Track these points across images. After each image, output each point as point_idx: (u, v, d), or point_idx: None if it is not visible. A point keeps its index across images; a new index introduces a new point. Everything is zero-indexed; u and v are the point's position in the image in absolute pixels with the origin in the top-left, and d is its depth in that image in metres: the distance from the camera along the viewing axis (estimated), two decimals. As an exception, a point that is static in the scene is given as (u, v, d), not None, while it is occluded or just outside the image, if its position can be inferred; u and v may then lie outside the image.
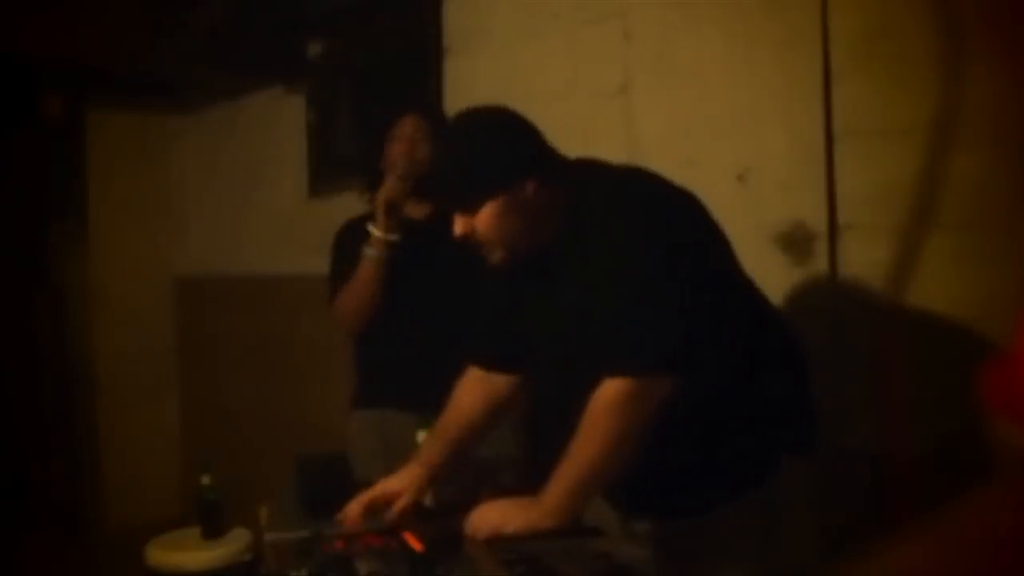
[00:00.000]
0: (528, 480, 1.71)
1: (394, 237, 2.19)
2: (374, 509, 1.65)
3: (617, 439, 1.44)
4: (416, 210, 2.29)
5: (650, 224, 1.48)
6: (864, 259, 1.99)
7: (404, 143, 2.26)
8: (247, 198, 4.12)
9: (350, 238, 2.31)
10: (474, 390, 1.75)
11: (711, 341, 1.47)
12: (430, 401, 1.92)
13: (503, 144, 1.53)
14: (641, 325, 1.43)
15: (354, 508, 1.64)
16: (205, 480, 2.43)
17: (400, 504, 1.65)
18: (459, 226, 1.53)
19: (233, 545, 2.39)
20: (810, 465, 1.68)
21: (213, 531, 2.44)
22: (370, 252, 2.20)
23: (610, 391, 1.43)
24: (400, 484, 1.67)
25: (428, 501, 1.76)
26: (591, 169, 1.61)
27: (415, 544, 1.52)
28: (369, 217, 2.26)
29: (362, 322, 2.29)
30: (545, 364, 1.65)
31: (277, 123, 3.88)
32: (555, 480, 1.50)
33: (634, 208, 1.49)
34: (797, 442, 1.62)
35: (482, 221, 1.51)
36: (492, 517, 1.54)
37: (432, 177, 1.70)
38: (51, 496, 4.25)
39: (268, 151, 3.96)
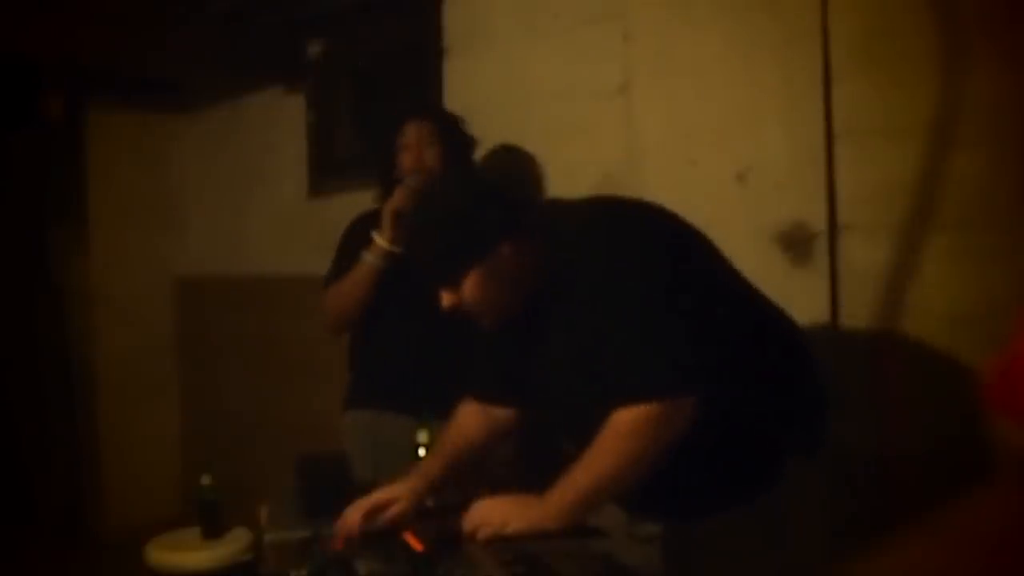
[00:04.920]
0: (527, 480, 1.71)
1: (397, 249, 2.17)
2: (372, 516, 1.65)
3: (634, 459, 1.45)
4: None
5: (631, 250, 1.50)
6: (864, 259, 2.00)
7: (411, 152, 2.26)
8: (247, 198, 4.12)
9: (357, 235, 2.30)
10: (475, 415, 1.78)
11: (718, 353, 1.47)
12: (424, 402, 1.92)
13: (473, 216, 1.54)
14: (654, 350, 1.44)
15: (353, 516, 1.63)
16: (205, 480, 2.43)
17: (392, 512, 1.65)
18: (446, 300, 1.56)
19: (233, 545, 2.40)
20: (813, 465, 1.68)
21: (213, 531, 2.44)
22: (369, 258, 2.19)
23: (632, 413, 1.43)
24: (396, 493, 1.67)
25: (428, 501, 1.76)
26: (558, 212, 1.66)
27: (415, 544, 1.52)
28: (379, 214, 2.25)
29: (344, 323, 2.29)
30: (546, 401, 1.66)
31: (277, 123, 3.88)
32: (563, 484, 1.50)
33: (611, 240, 1.52)
34: (805, 443, 1.62)
35: (467, 292, 1.54)
36: (493, 517, 1.54)
37: (411, 257, 1.71)
38: (51, 496, 4.25)
39: (268, 151, 3.96)
